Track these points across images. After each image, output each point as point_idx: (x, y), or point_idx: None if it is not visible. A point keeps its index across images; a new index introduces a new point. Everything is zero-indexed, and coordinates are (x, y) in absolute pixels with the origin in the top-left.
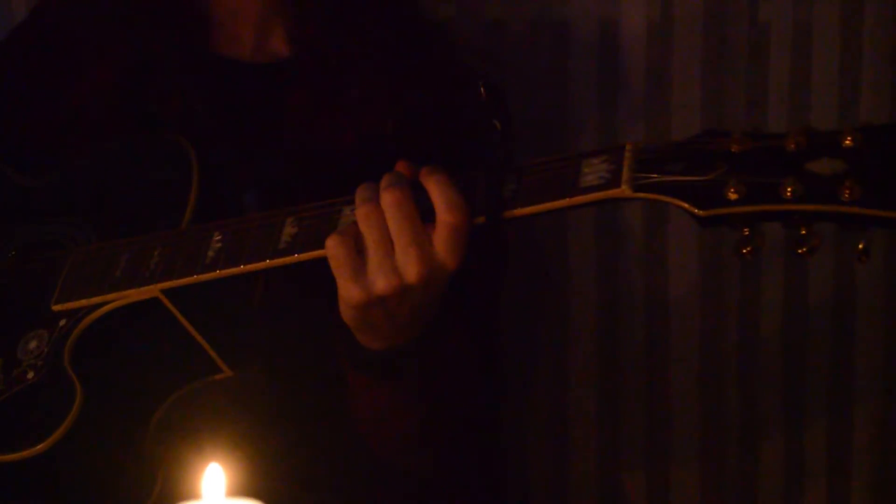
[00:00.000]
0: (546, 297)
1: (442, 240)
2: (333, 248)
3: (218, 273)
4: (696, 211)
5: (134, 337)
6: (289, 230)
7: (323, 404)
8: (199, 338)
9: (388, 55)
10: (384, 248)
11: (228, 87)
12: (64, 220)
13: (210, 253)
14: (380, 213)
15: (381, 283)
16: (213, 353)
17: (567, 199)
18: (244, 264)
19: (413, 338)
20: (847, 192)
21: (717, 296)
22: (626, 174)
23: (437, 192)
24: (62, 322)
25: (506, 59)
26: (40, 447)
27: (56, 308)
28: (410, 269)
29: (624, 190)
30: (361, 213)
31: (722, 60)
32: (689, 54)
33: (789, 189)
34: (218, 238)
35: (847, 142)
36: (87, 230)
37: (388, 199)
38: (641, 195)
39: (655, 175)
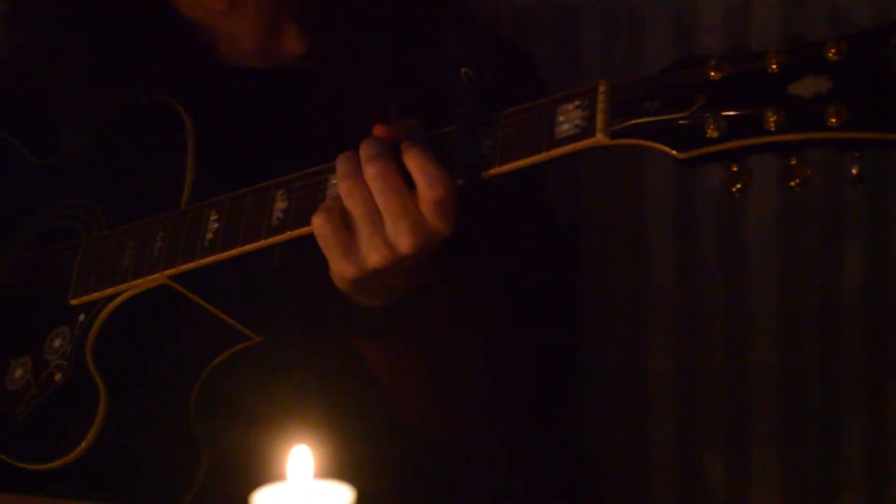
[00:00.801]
0: (625, 292)
1: (429, 210)
2: (320, 227)
3: (217, 256)
4: (676, 153)
5: (154, 321)
6: (280, 205)
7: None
8: (218, 313)
9: (408, 34)
10: (372, 222)
11: (246, 97)
12: (74, 201)
13: (209, 235)
14: (363, 186)
15: (373, 257)
16: (234, 324)
17: (544, 153)
18: (240, 245)
19: (408, 292)
20: (833, 116)
21: (797, 286)
22: (600, 120)
23: (417, 167)
24: (81, 317)
25: (581, 47)
26: (72, 456)
27: (74, 302)
28: (402, 241)
29: (600, 138)
30: (344, 189)
31: None
32: (768, 42)
33: (772, 119)
34: (215, 218)
35: (831, 54)
36: (97, 211)
37: (371, 171)
38: (619, 142)
39: (631, 117)
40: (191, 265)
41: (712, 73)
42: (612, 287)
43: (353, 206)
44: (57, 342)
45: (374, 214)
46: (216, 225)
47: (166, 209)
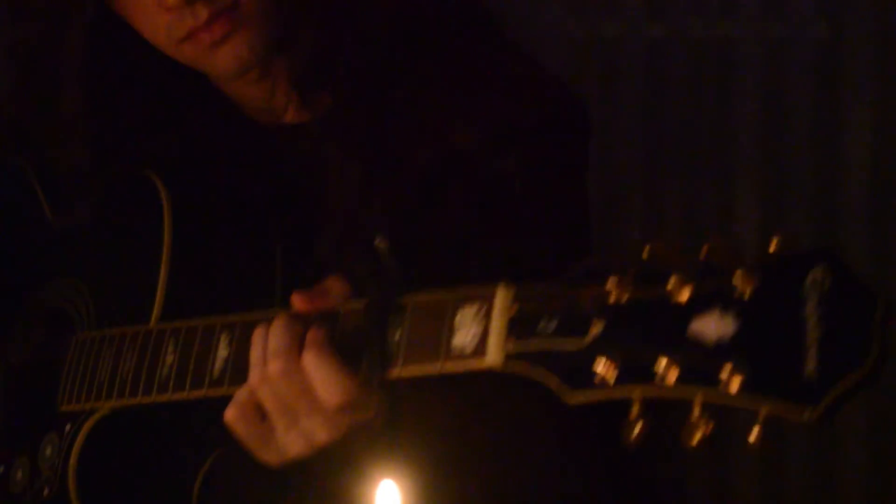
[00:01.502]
0: None
1: (337, 412)
2: (233, 423)
3: (169, 396)
4: (565, 394)
5: (139, 435)
6: (222, 352)
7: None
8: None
9: (433, 90)
10: (285, 415)
11: (274, 154)
12: (69, 280)
13: (164, 370)
14: (271, 382)
15: (292, 449)
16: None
17: (440, 365)
18: (188, 391)
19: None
20: (729, 374)
21: None
22: (492, 342)
23: (314, 372)
24: (68, 427)
25: (669, 78)
26: None
27: (62, 409)
28: (319, 435)
29: (491, 361)
30: (254, 380)
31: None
32: (860, 74)
33: (665, 368)
34: (171, 350)
35: (740, 288)
36: (87, 295)
37: (273, 370)
38: (511, 365)
39: (526, 337)
40: (148, 399)
41: (612, 295)
42: None
43: (264, 398)
44: (48, 450)
45: (286, 409)
46: (170, 358)
47: (141, 307)
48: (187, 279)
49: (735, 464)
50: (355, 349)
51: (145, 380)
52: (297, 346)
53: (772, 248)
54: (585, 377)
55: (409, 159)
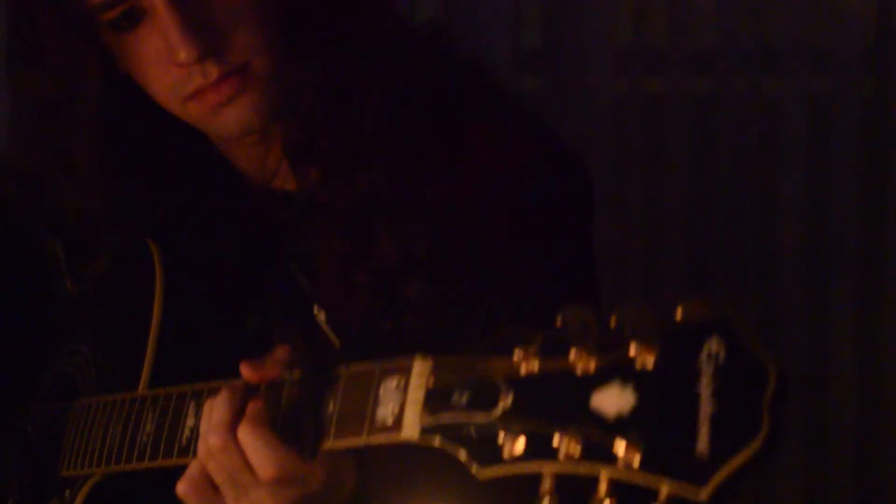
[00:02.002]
0: None
1: (275, 485)
2: (185, 497)
3: (148, 464)
4: (473, 470)
5: (138, 489)
6: (189, 420)
7: None
8: None
9: (417, 180)
10: (233, 489)
11: (263, 218)
12: (74, 346)
13: (143, 437)
14: (213, 455)
15: None
16: None
17: (365, 439)
18: (161, 459)
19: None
20: (623, 450)
21: None
22: (408, 416)
23: (248, 446)
24: (67, 492)
25: (715, 134)
26: None
27: (63, 474)
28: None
29: (407, 435)
30: (201, 454)
31: None
32: None
33: (565, 444)
34: (150, 417)
35: (639, 361)
36: (90, 358)
37: (213, 443)
38: (426, 439)
39: (440, 410)
40: (131, 466)
41: (521, 368)
42: None
43: (212, 471)
44: None
45: (233, 481)
46: (149, 426)
47: (132, 374)
48: (175, 346)
49: None
50: (295, 420)
51: (128, 447)
52: (236, 420)
53: (678, 316)
54: (494, 452)
55: (398, 234)
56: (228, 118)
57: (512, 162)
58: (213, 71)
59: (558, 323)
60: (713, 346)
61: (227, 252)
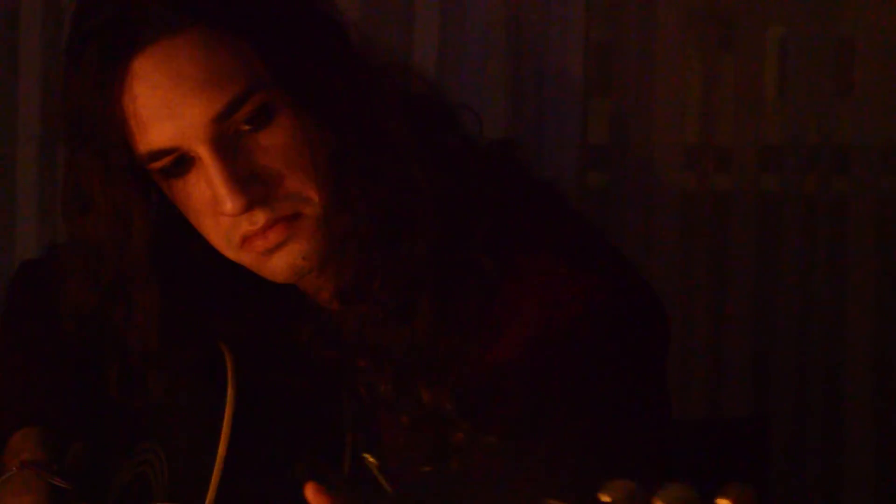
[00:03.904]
0: None
1: None
2: None
3: None
4: None
5: None
6: None
7: None
8: None
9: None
10: None
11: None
12: (145, 444)
13: None
14: None
15: None
16: None
17: None
18: None
19: None
20: None
21: None
22: None
23: None
24: None
25: (782, 233)
26: None
27: None
28: None
29: None
30: None
31: None
32: None
33: None
34: None
35: None
36: (162, 459)
37: None
38: None
39: None
40: None
41: None
42: None
43: None
44: None
45: None
46: None
47: (198, 486)
48: (243, 462)
49: None
50: None
51: None
52: None
53: None
54: None
55: (444, 380)
56: (277, 264)
57: (569, 305)
58: (260, 218)
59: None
60: None
61: (291, 370)
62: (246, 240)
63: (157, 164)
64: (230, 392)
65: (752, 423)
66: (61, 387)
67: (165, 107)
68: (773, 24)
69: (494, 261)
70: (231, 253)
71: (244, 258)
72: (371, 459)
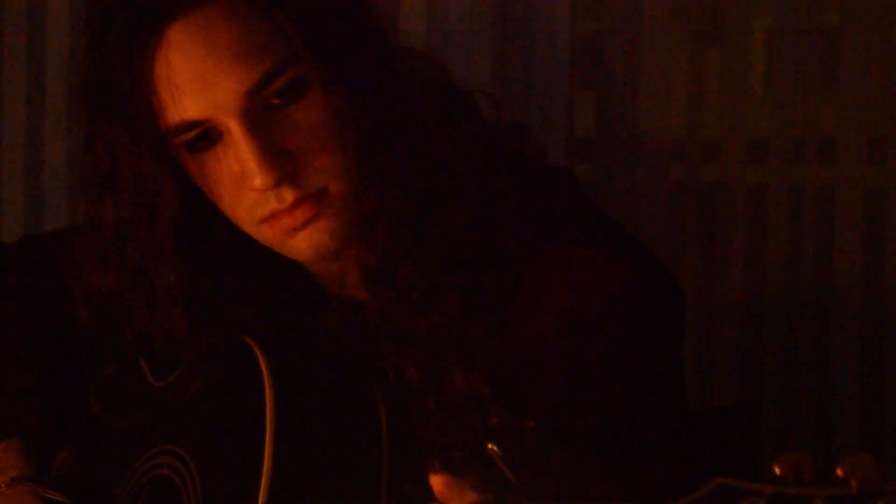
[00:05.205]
0: None
1: None
2: None
3: None
4: None
5: None
6: None
7: None
8: None
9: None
10: None
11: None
12: (167, 447)
13: None
14: None
15: None
16: None
17: None
18: None
19: None
20: None
21: None
22: None
23: None
24: None
25: (768, 224)
26: None
27: None
28: None
29: None
30: None
31: None
32: None
33: None
34: None
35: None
36: (189, 463)
37: None
38: None
39: None
40: None
41: None
42: None
43: None
44: None
45: None
46: None
47: (247, 490)
48: (292, 459)
49: None
50: None
51: None
52: None
53: None
54: None
55: (475, 358)
56: (301, 242)
57: (601, 289)
58: (289, 196)
59: (777, 471)
60: None
61: (322, 363)
62: (272, 216)
63: (183, 137)
64: (269, 393)
65: (741, 413)
66: (37, 388)
67: (198, 79)
68: (760, 16)
69: (520, 245)
70: (251, 228)
71: (265, 233)
72: (494, 448)
